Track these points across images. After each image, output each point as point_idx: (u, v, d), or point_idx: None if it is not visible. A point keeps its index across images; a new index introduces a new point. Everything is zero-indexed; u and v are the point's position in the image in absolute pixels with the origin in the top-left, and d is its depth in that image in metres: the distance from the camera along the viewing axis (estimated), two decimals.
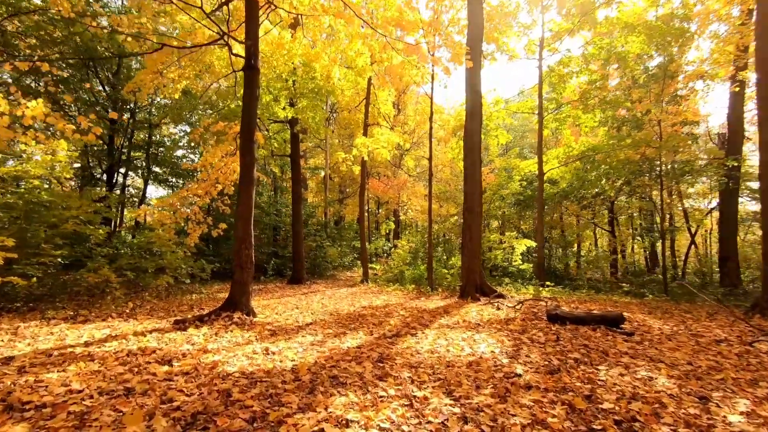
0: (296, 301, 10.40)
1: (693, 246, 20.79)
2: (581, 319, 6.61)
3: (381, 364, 4.39)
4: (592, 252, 21.14)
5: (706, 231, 24.56)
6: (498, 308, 8.45)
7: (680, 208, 21.90)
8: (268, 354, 4.82)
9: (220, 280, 15.77)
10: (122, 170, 19.17)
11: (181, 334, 5.65)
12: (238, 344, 5.26)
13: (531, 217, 19.87)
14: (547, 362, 4.53)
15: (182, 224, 10.29)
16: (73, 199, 9.85)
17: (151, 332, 5.80)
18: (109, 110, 17.75)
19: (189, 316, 6.72)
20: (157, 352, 4.65)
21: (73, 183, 18.57)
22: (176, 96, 11.94)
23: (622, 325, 6.35)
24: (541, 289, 11.90)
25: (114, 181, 18.17)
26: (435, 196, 26.07)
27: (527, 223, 20.89)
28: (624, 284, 14.09)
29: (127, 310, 7.72)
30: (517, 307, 8.40)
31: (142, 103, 11.94)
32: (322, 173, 26.29)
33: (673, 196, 20.65)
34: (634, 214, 24.11)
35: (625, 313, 6.95)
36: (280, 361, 4.50)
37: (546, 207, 20.97)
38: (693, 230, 20.17)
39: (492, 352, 4.99)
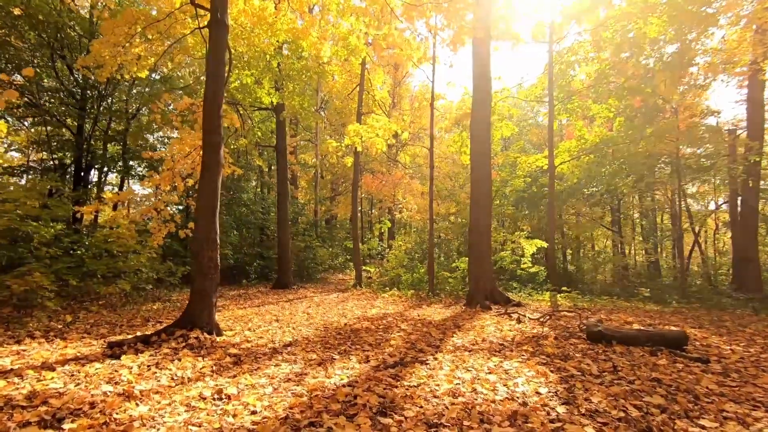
0: (278, 311, 8.91)
1: (696, 247, 19.62)
2: (633, 339, 5.23)
3: (383, 419, 2.95)
4: (601, 254, 19.90)
5: (709, 231, 23.46)
6: (519, 321, 7.05)
7: (684, 208, 20.80)
8: (221, 400, 3.36)
9: None
10: (97, 165, 17.46)
11: (108, 366, 4.15)
12: (183, 382, 3.78)
13: (536, 216, 18.56)
14: (623, 412, 3.12)
15: (143, 222, 8.77)
16: (15, 191, 8.30)
17: (69, 361, 4.29)
18: (78, 97, 16.18)
19: (131, 337, 5.22)
20: (52, 400, 3.16)
21: (33, 176, 16.84)
22: (142, 74, 10.40)
23: (685, 347, 4.99)
24: (557, 295, 10.56)
25: (83, 175, 16.49)
26: (434, 193, 24.69)
27: (531, 222, 19.59)
28: (642, 289, 12.81)
29: (60, 326, 6.17)
30: (542, 319, 7.01)
31: (101, 81, 10.38)
32: (313, 172, 24.80)
33: (675, 196, 19.51)
34: (636, 215, 22.96)
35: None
36: (234, 415, 3.04)
37: (546, 206, 19.71)
38: (696, 230, 19.01)
39: (537, 393, 3.57)
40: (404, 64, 27.27)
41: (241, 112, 15.20)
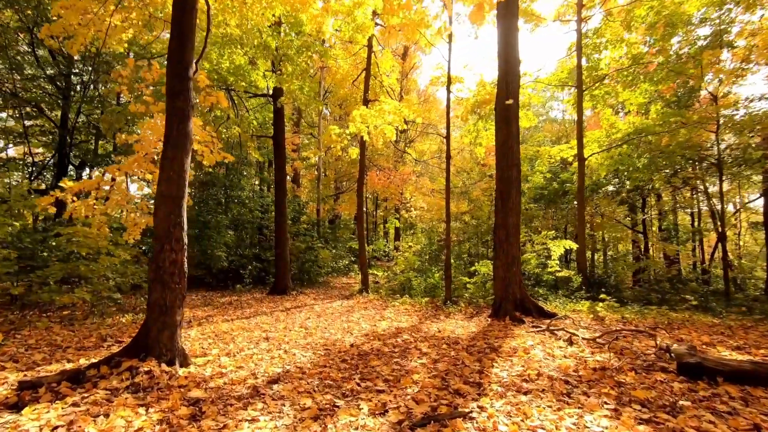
0: (271, 324, 7.50)
1: (719, 249, 18.03)
2: (750, 376, 3.77)
3: None
4: (626, 256, 18.35)
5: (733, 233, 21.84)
6: (571, 342, 5.59)
7: (706, 207, 19.24)
8: None
9: (186, 289, 12.81)
10: (88, 162, 16.04)
11: None
12: None
13: (559, 215, 17.09)
14: None
15: (117, 217, 7.42)
16: None
17: None
18: (60, 84, 14.87)
19: (55, 373, 3.82)
20: None
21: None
22: (120, 49, 9.05)
23: None
24: (597, 304, 9.07)
25: (69, 172, 15.16)
26: (441, 191, 23.24)
27: (551, 220, 18.10)
28: (687, 296, 11.31)
29: None
30: (600, 340, 5.55)
31: (73, 54, 9.03)
32: (315, 169, 23.41)
33: (698, 193, 17.95)
34: (655, 213, 21.33)
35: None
36: None
37: (569, 203, 18.22)
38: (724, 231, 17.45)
39: None
40: (412, 55, 25.91)
41: (236, 100, 13.84)
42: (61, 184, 6.89)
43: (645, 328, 6.69)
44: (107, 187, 7.34)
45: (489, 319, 8.10)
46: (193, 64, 4.74)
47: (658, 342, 5.00)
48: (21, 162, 16.20)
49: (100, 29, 8.34)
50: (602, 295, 9.52)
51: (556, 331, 6.30)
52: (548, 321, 7.54)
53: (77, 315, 7.05)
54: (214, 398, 3.48)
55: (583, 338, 5.64)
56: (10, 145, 16.12)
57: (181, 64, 4.52)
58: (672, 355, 4.75)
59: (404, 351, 5.32)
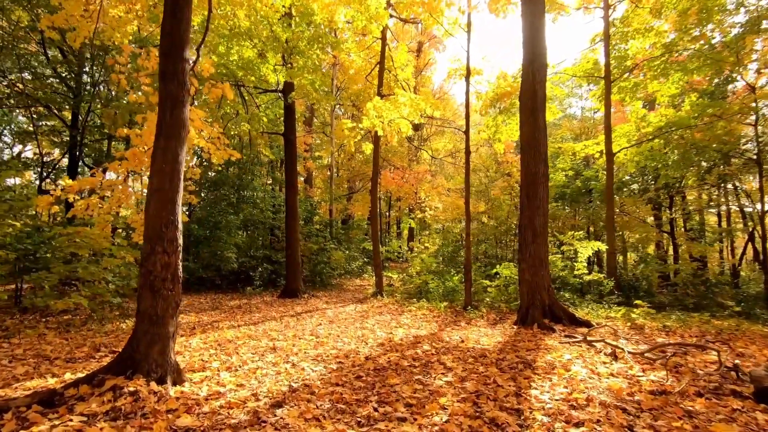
0: (280, 331, 6.99)
1: (750, 250, 16.90)
2: None
3: None
4: (648, 257, 17.40)
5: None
6: (615, 356, 4.93)
7: (736, 207, 18.13)
8: None
9: (195, 291, 12.46)
10: (103, 164, 15.84)
11: None
12: None
13: (581, 214, 16.29)
14: None
15: (114, 214, 7.02)
16: None
17: None
18: (71, 83, 14.69)
19: (25, 395, 3.33)
20: None
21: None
22: (125, 41, 8.67)
23: None
24: (632, 310, 8.32)
25: (78, 170, 14.96)
26: (458, 190, 22.53)
27: (573, 220, 17.29)
28: (726, 301, 10.46)
29: None
30: (650, 355, 4.87)
31: (75, 48, 8.68)
32: (328, 169, 22.94)
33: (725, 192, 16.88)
34: (678, 212, 20.21)
35: None
36: None
37: (593, 203, 17.36)
38: (762, 232, 16.35)
39: None
40: (426, 52, 25.29)
41: (245, 96, 13.42)
42: (59, 182, 6.51)
43: (695, 339, 5.98)
44: (108, 185, 6.93)
45: (515, 327, 7.46)
46: (191, 47, 4.24)
47: (721, 359, 4.31)
48: (32, 162, 16.09)
49: (103, 21, 7.98)
50: (637, 301, 8.76)
51: (594, 343, 5.63)
52: (581, 330, 6.87)
53: (75, 321, 6.64)
54: (206, 427, 2.95)
55: (629, 352, 4.96)
56: (18, 145, 16.00)
57: (174, 43, 4.02)
58: (740, 374, 4.08)
59: (426, 365, 4.74)
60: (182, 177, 4.05)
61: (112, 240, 7.73)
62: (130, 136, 6.60)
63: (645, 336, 6.41)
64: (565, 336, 6.39)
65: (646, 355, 4.87)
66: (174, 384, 3.76)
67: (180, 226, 4.00)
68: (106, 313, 7.01)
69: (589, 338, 5.77)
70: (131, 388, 3.33)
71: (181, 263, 4.00)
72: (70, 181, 6.67)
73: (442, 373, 4.39)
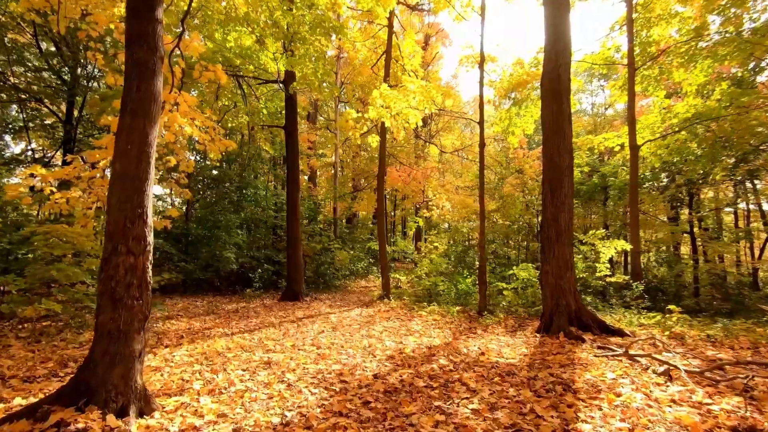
0: (277, 340, 6.28)
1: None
2: None
3: None
4: (671, 258, 16.54)
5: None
6: (670, 376, 4.17)
7: (754, 206, 17.20)
8: None
9: (192, 294, 11.79)
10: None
11: None
12: None
13: (599, 212, 15.49)
14: None
15: (96, 209, 6.35)
16: None
17: None
18: (65, 77, 14.11)
19: None
20: None
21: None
22: (112, 27, 8.00)
23: None
24: (668, 317, 7.53)
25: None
26: (466, 188, 21.75)
27: (589, 219, 16.51)
28: (764, 306, 9.63)
29: None
30: (709, 374, 4.11)
31: (61, 32, 8.16)
32: (332, 169, 22.25)
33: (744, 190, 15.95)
34: (702, 210, 19.28)
35: None
36: None
37: (611, 200, 16.55)
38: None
39: None
40: (433, 45, 24.52)
41: (244, 87, 12.75)
42: (31, 171, 5.85)
43: (750, 352, 5.21)
44: (87, 176, 6.26)
45: (537, 336, 6.72)
46: (163, 6, 3.55)
47: None
48: (26, 159, 15.53)
49: (89, 2, 7.31)
50: (670, 306, 7.96)
51: (634, 356, 4.87)
52: (615, 340, 6.12)
53: (51, 329, 5.97)
54: None
55: (686, 371, 4.20)
56: (8, 136, 15.42)
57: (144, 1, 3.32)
58: None
59: (445, 386, 4.01)
60: (152, 162, 3.35)
61: (96, 238, 7.05)
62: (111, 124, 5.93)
63: (689, 348, 5.64)
64: (599, 347, 5.63)
65: (706, 374, 4.11)
66: (140, 415, 3.06)
67: (150, 221, 3.30)
68: (85, 319, 6.34)
69: (630, 352, 5.01)
70: (80, 425, 2.63)
71: (151, 266, 3.30)
72: (43, 170, 6.01)
73: (466, 398, 3.66)
